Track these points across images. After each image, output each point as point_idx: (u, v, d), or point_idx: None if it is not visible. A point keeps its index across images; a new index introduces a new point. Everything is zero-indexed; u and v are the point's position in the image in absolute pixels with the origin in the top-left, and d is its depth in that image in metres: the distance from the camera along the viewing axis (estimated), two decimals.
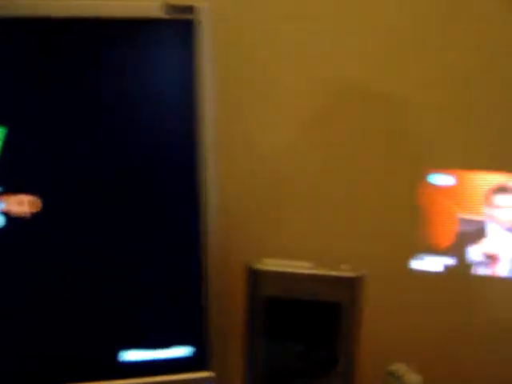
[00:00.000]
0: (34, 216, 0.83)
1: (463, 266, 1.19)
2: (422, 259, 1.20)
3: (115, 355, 0.95)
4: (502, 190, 1.17)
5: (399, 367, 1.03)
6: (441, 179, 1.18)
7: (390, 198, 1.19)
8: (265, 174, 1.17)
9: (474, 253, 1.20)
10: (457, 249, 1.19)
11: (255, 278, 0.99)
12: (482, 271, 1.19)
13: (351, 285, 0.98)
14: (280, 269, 0.99)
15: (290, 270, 0.98)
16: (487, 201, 1.17)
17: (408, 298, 1.20)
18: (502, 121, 1.15)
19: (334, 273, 0.98)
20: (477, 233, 1.19)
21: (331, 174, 1.18)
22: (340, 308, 0.98)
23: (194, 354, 0.98)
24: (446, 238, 1.19)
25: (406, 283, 1.21)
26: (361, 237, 1.19)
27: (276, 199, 1.19)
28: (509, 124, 1.15)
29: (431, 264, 1.20)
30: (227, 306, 1.05)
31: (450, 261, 1.20)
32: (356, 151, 1.17)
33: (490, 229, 1.19)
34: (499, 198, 1.17)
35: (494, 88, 1.15)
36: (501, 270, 1.19)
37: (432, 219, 1.18)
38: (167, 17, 0.82)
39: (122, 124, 0.87)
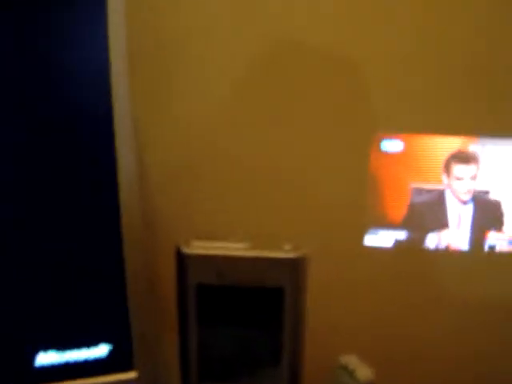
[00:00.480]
0: None
1: (417, 240, 1.10)
2: (374, 234, 1.08)
3: (25, 358, 0.81)
4: (461, 157, 1.06)
5: (350, 359, 0.92)
6: (392, 145, 1.07)
7: (339, 167, 1.09)
8: (199, 145, 1.04)
9: (430, 225, 1.09)
10: (411, 222, 1.08)
11: (184, 262, 0.86)
12: (435, 245, 1.10)
13: (294, 267, 0.87)
14: (212, 252, 0.86)
15: (223, 252, 0.86)
16: (446, 170, 1.07)
17: (359, 279, 1.09)
18: (460, 77, 1.03)
19: (274, 254, 0.86)
20: (433, 204, 1.09)
21: (272, 144, 1.06)
22: (282, 293, 0.86)
23: (114, 352, 0.84)
24: (399, 211, 1.08)
25: (357, 262, 1.11)
26: (305, 211, 1.08)
27: (209, 173, 1.06)
28: (469, 81, 1.03)
29: (384, 239, 1.08)
30: (162, 294, 0.92)
31: (403, 235, 1.11)
32: (299, 118, 1.05)
33: (448, 200, 1.08)
34: (458, 168, 1.07)
35: (448, 42, 1.06)
36: (457, 243, 1.11)
37: (385, 190, 1.07)
38: None
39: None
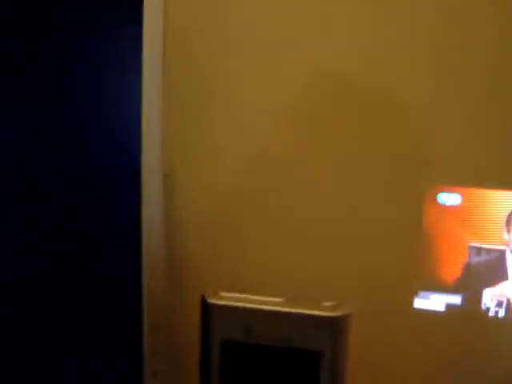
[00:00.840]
0: None
1: (473, 305, 0.99)
2: (425, 297, 0.98)
3: None
4: None
5: None
6: (449, 198, 0.97)
7: (389, 220, 0.99)
8: (228, 188, 0.96)
9: (487, 292, 0.99)
10: (467, 285, 0.99)
11: (209, 314, 0.77)
12: (494, 312, 0.99)
13: (335, 327, 0.77)
14: (241, 304, 0.77)
15: (253, 305, 0.76)
16: (507, 228, 0.96)
17: (408, 345, 0.97)
18: None
19: (311, 311, 0.76)
20: (492, 265, 0.98)
21: (316, 194, 0.97)
22: (319, 357, 0.76)
23: None
24: (455, 272, 0.97)
25: (406, 325, 0.99)
26: (349, 267, 0.97)
27: (241, 217, 0.97)
28: None
29: (436, 303, 0.97)
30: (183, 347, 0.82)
31: (457, 299, 0.99)
32: (344, 159, 0.96)
33: (509, 262, 0.97)
34: None
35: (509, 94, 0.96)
36: None
37: (439, 248, 0.96)
38: None
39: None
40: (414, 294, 0.99)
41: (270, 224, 0.99)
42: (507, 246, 0.98)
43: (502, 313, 1.00)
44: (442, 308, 0.99)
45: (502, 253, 0.98)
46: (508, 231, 0.97)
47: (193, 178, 0.99)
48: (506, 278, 0.99)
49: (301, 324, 0.78)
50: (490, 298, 0.99)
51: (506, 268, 0.99)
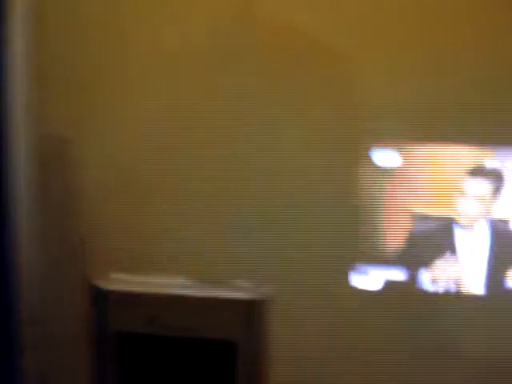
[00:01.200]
0: None
1: (416, 280, 0.88)
2: (364, 272, 0.88)
3: None
4: (475, 174, 0.85)
5: None
6: (388, 158, 0.85)
7: (317, 185, 0.87)
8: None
9: (434, 262, 0.88)
10: (410, 257, 0.87)
11: (101, 302, 0.64)
12: (441, 288, 0.88)
13: (251, 312, 0.65)
14: (140, 288, 0.64)
15: (156, 290, 0.64)
16: (456, 191, 0.85)
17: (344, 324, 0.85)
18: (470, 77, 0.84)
19: (224, 294, 0.64)
20: (439, 235, 0.87)
21: (227, 153, 0.85)
22: (235, 347, 0.64)
23: None
24: (396, 242, 0.86)
25: (340, 305, 0.87)
26: (269, 242, 0.85)
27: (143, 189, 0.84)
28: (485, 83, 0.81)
29: (375, 279, 0.88)
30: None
31: (400, 274, 0.88)
32: (264, 119, 0.84)
33: (459, 231, 0.86)
34: (471, 186, 0.85)
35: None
36: (468, 286, 0.88)
37: (378, 217, 0.86)
38: None
39: None
40: (350, 270, 0.87)
41: (178, 198, 0.86)
42: (458, 215, 0.87)
43: (449, 290, 0.89)
44: (381, 285, 0.88)
45: (451, 221, 0.87)
46: (458, 196, 0.86)
47: (93, 148, 0.85)
48: (454, 252, 0.88)
49: (212, 310, 0.66)
50: (436, 274, 0.88)
51: (454, 240, 0.88)
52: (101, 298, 0.64)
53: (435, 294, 0.88)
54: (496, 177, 0.86)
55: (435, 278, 0.88)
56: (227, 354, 0.66)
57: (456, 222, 0.87)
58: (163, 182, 0.86)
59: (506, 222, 0.87)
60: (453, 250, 0.88)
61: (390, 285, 0.87)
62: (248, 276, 0.66)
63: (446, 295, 0.88)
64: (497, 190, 0.86)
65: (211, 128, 0.86)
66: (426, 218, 0.87)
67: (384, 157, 0.85)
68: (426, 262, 0.88)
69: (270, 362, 0.68)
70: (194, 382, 0.67)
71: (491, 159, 0.86)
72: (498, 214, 0.86)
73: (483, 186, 0.86)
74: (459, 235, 0.87)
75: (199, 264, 0.73)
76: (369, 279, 0.87)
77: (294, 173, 0.86)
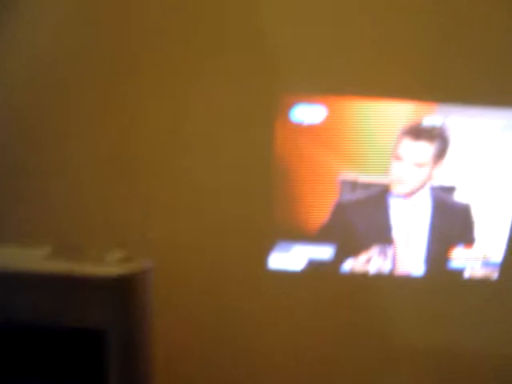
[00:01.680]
0: None
1: (344, 258, 0.77)
2: (285, 250, 0.76)
3: None
4: (413, 133, 0.74)
5: None
6: (309, 113, 0.72)
7: (227, 147, 0.74)
8: None
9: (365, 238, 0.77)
10: (337, 233, 0.76)
11: None
12: (375, 268, 0.78)
13: (122, 291, 0.52)
14: None
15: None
16: (391, 152, 0.74)
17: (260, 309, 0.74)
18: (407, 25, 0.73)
19: (91, 270, 0.52)
20: (371, 205, 0.75)
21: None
22: (103, 336, 0.51)
23: None
24: (321, 216, 0.75)
25: (256, 288, 0.76)
26: (163, 209, 0.75)
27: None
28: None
29: (297, 258, 0.77)
30: None
31: (325, 252, 0.76)
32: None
33: (393, 200, 0.75)
34: (407, 147, 0.74)
35: None
36: (405, 265, 0.77)
37: (298, 185, 0.74)
38: None
39: None
40: (269, 248, 0.75)
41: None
42: (393, 182, 0.75)
43: (382, 268, 0.77)
44: (303, 265, 0.76)
45: (385, 189, 0.75)
46: (397, 159, 0.73)
47: None
48: (389, 225, 0.76)
49: (74, 290, 0.53)
50: (367, 252, 0.77)
51: (389, 212, 0.76)
52: None
53: (365, 274, 0.76)
54: (438, 138, 0.74)
55: (366, 256, 0.76)
56: (94, 344, 0.53)
57: (391, 191, 0.75)
58: None
59: (449, 190, 0.75)
60: (387, 224, 0.76)
61: (313, 264, 0.75)
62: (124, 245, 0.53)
63: (379, 275, 0.77)
64: (439, 153, 0.74)
65: None
66: (355, 184, 0.75)
67: (305, 113, 0.72)
68: (356, 238, 0.76)
69: (151, 356, 0.55)
70: (55, 378, 0.54)
71: (432, 117, 0.74)
72: (440, 181, 0.75)
73: (423, 148, 0.74)
74: (394, 206, 0.75)
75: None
76: (290, 258, 0.76)
77: (200, 137, 0.74)
